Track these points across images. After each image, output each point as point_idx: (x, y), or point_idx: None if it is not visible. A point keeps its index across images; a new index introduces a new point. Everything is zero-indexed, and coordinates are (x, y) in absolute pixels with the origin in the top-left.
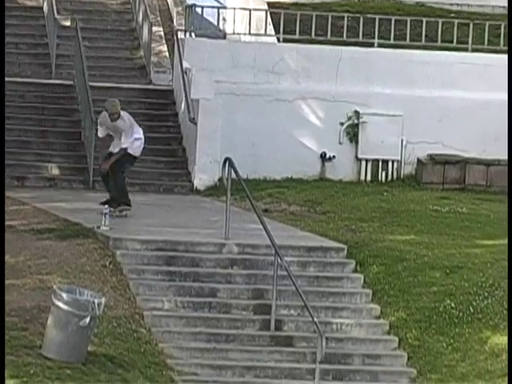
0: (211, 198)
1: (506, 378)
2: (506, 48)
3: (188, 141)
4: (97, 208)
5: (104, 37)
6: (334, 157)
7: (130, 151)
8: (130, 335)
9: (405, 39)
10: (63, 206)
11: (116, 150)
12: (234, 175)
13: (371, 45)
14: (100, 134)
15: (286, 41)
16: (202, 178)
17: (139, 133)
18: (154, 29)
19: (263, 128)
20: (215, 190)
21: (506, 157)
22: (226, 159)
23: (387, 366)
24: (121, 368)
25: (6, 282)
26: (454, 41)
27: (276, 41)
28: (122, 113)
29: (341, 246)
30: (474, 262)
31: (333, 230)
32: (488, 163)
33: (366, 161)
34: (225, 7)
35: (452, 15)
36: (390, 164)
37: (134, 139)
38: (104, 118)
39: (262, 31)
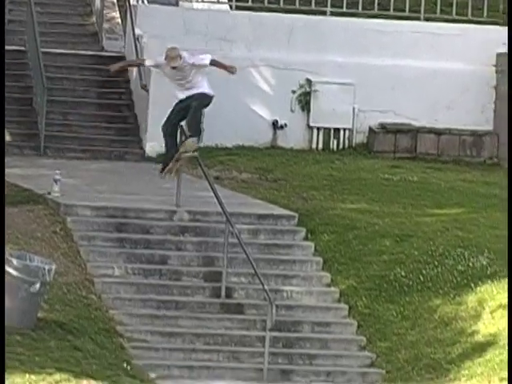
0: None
1: (455, 347)
2: (458, 17)
3: (139, 108)
4: (48, 174)
5: (56, 3)
6: (285, 125)
7: (209, 92)
8: (80, 302)
9: (357, 8)
10: (14, 172)
11: (187, 94)
12: None
13: (324, 13)
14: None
15: (238, 8)
16: (153, 146)
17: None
18: None
19: (215, 95)
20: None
21: (457, 126)
22: (178, 126)
23: (337, 334)
24: (71, 334)
25: None
26: (407, 9)
27: (229, 8)
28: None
29: (292, 213)
30: (425, 230)
31: (284, 198)
32: (439, 132)
33: (318, 129)
34: None
35: None
36: (341, 132)
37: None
38: (161, 66)
39: None
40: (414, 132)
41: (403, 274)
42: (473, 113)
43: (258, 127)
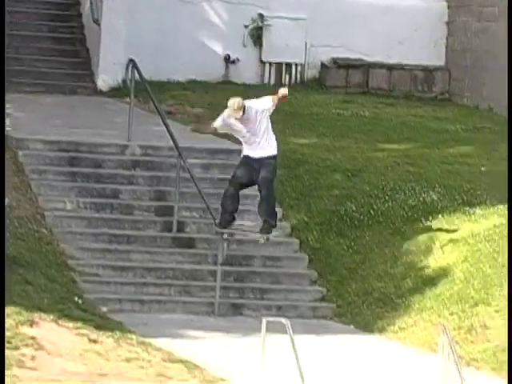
0: (115, 100)
1: (406, 281)
2: None
3: (91, 42)
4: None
5: None
6: (237, 59)
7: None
8: (31, 235)
9: None
10: None
11: (260, 155)
12: (137, 77)
13: None
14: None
15: None
16: (105, 80)
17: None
18: None
19: (167, 29)
20: (119, 92)
21: (409, 61)
22: (130, 61)
23: (288, 268)
24: (22, 268)
25: None
26: None
27: None
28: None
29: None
30: (376, 165)
31: None
32: (391, 67)
33: (270, 64)
34: None
35: None
36: (293, 67)
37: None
38: (227, 118)
39: None
40: (365, 67)
41: (354, 208)
42: (425, 48)
43: (211, 62)
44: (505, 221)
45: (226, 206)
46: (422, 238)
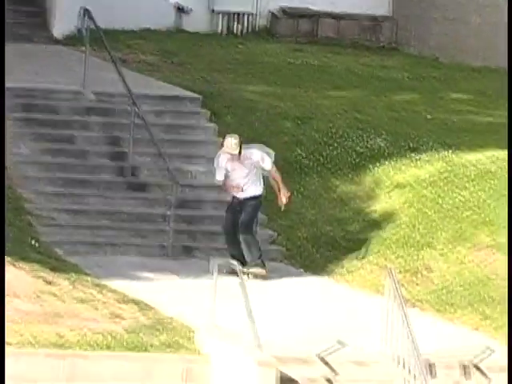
0: (70, 48)
1: (353, 225)
2: None
3: None
4: None
5: None
6: (190, 9)
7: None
8: None
9: None
10: None
11: (244, 196)
12: (92, 25)
13: None
14: (220, 178)
15: None
16: (60, 28)
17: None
18: None
19: None
20: (74, 40)
21: (355, 11)
22: (84, 10)
23: None
24: None
25: None
26: None
27: None
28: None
29: (196, 96)
30: (325, 112)
31: (188, 81)
32: (339, 17)
33: (222, 13)
34: None
35: None
36: (244, 17)
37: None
38: (222, 158)
39: None
40: (314, 17)
41: (303, 155)
42: None
43: (163, 11)
44: (450, 167)
45: (232, 251)
46: (369, 183)
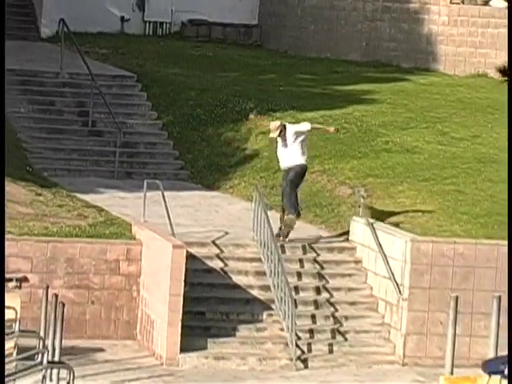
0: (52, 44)
1: (233, 158)
2: None
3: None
4: None
5: None
6: (129, 19)
7: (304, 163)
8: None
9: None
10: None
11: (288, 165)
12: (66, 30)
13: None
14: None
15: None
16: (45, 31)
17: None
18: None
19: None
20: (54, 39)
21: (236, 21)
22: (61, 19)
23: (160, 149)
24: None
25: None
26: None
27: None
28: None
29: (133, 74)
30: (216, 86)
31: (128, 65)
32: (224, 25)
33: (150, 22)
34: None
35: None
36: (164, 24)
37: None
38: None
39: None
40: (209, 25)
41: (202, 112)
42: (246, 13)
43: (112, 20)
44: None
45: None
46: (244, 131)
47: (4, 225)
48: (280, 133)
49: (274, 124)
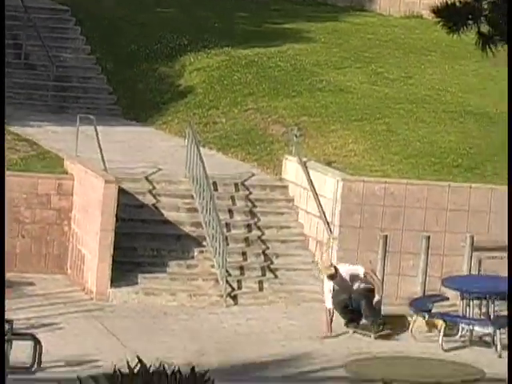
0: None
1: (167, 94)
2: None
3: None
4: None
5: None
6: None
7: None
8: None
9: None
10: None
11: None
12: None
13: None
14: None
15: None
16: None
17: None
18: None
19: None
20: None
21: None
22: None
23: (94, 85)
24: None
25: None
26: None
27: None
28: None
29: (67, 8)
30: (151, 21)
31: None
32: None
33: None
34: None
35: None
36: None
37: None
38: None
39: None
40: None
41: (137, 47)
42: None
43: None
44: (229, 58)
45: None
46: (178, 67)
47: (4, 225)
48: (333, 275)
49: (325, 261)
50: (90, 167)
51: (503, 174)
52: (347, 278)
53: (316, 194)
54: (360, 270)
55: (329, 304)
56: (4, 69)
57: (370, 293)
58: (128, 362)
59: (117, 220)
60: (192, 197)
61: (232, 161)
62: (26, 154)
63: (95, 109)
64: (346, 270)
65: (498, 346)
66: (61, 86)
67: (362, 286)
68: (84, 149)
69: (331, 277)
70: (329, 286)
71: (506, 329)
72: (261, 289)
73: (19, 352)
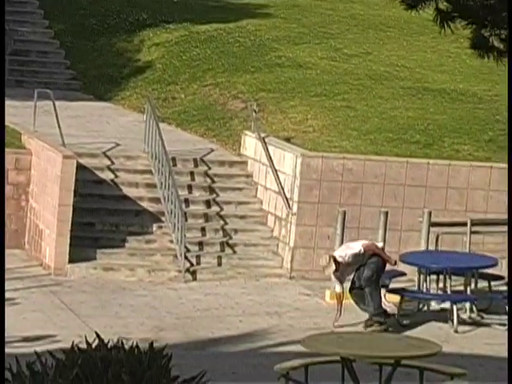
0: None
1: (126, 68)
2: None
3: None
4: None
5: None
6: None
7: None
8: None
9: None
10: None
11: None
12: None
13: None
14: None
15: None
16: None
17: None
18: None
19: None
20: None
21: None
22: None
23: (50, 59)
24: None
25: None
26: None
27: None
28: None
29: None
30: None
31: None
32: None
33: None
34: None
35: None
36: None
37: None
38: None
39: None
40: None
41: (95, 22)
42: None
43: None
44: (188, 33)
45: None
46: (137, 42)
47: (4, 224)
48: (336, 269)
49: (322, 260)
50: (48, 142)
51: (461, 149)
52: (350, 260)
53: (275, 169)
54: (357, 247)
55: (338, 288)
56: (4, 67)
57: (377, 272)
58: (86, 338)
59: (75, 195)
60: (151, 172)
61: (191, 136)
62: None
63: (53, 83)
64: (346, 254)
65: (455, 321)
66: (18, 61)
67: (367, 268)
68: (42, 124)
69: (335, 270)
70: (336, 275)
71: (464, 304)
72: (219, 264)
73: None
